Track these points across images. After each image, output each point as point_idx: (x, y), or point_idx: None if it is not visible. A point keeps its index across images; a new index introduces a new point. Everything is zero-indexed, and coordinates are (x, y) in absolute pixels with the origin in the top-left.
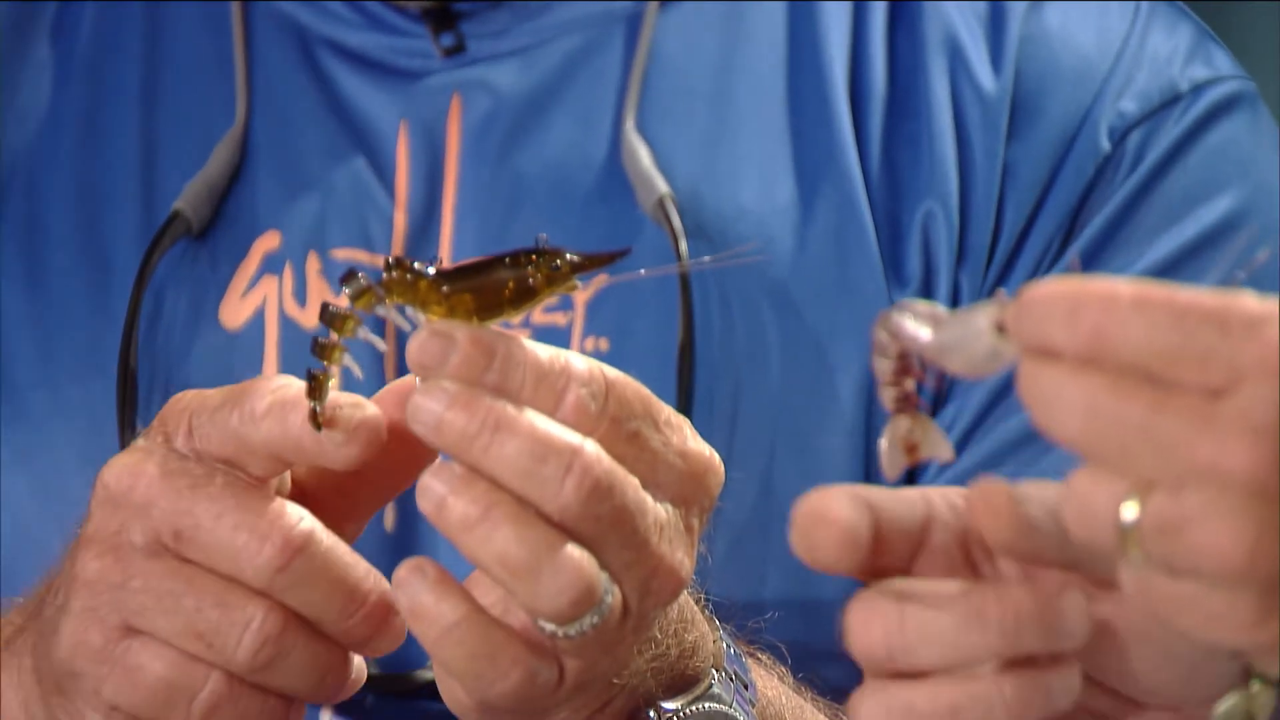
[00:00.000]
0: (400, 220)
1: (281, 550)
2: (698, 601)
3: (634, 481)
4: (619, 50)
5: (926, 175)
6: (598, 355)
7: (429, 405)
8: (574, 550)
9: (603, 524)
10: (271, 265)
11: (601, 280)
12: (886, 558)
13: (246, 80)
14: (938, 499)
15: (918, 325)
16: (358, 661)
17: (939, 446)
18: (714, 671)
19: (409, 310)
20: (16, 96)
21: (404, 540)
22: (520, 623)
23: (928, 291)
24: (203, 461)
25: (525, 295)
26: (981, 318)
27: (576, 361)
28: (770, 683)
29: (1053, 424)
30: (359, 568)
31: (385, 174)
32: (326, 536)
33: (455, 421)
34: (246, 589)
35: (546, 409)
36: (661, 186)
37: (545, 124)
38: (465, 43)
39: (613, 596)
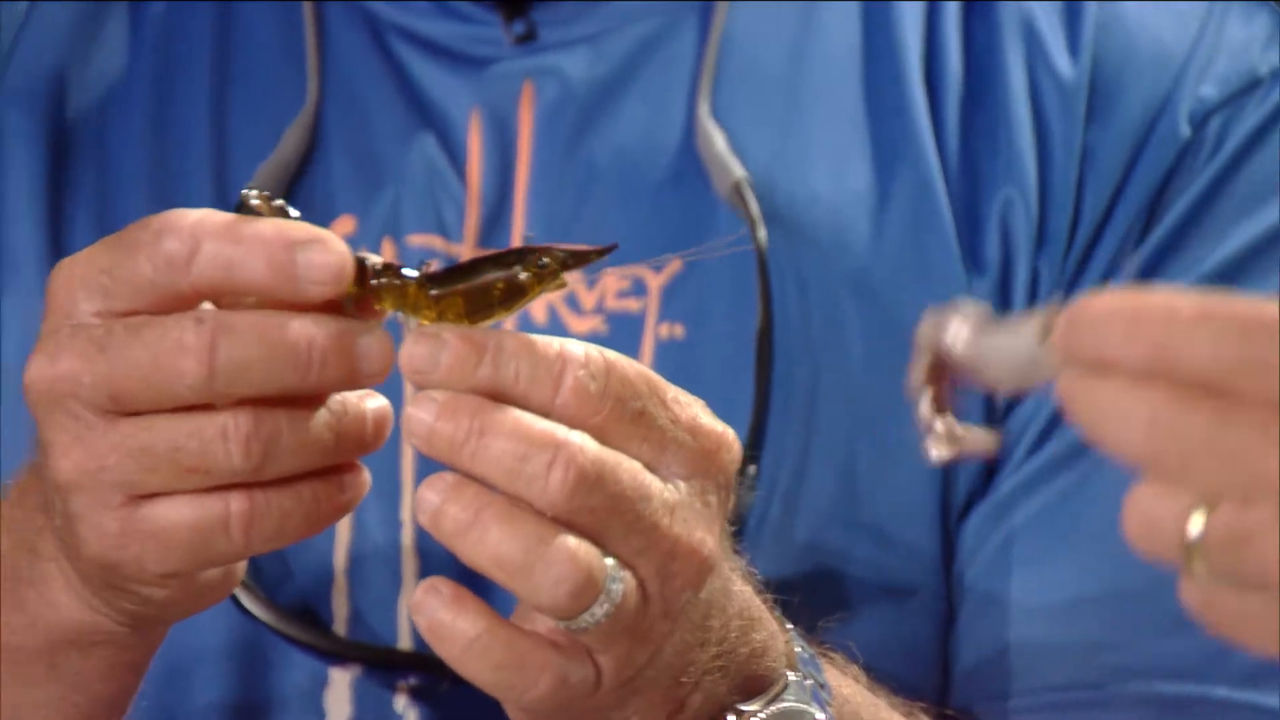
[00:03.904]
0: (473, 207)
1: (200, 357)
2: (765, 601)
3: (631, 466)
4: (692, 36)
5: (1004, 162)
6: (673, 342)
7: (419, 416)
8: (566, 541)
9: (599, 513)
10: None
11: (676, 266)
12: None
13: (318, 64)
14: None
15: (962, 328)
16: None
17: (983, 440)
18: (788, 672)
19: (400, 316)
20: (90, 68)
21: (426, 553)
22: (548, 626)
23: (1006, 279)
24: (103, 321)
25: (515, 294)
26: (1028, 326)
27: (573, 346)
28: (845, 682)
29: (1110, 438)
30: (290, 324)
31: (457, 161)
32: (230, 316)
33: (444, 430)
34: (199, 408)
35: (545, 396)
36: (737, 171)
37: (617, 110)
38: (536, 30)
39: (623, 584)
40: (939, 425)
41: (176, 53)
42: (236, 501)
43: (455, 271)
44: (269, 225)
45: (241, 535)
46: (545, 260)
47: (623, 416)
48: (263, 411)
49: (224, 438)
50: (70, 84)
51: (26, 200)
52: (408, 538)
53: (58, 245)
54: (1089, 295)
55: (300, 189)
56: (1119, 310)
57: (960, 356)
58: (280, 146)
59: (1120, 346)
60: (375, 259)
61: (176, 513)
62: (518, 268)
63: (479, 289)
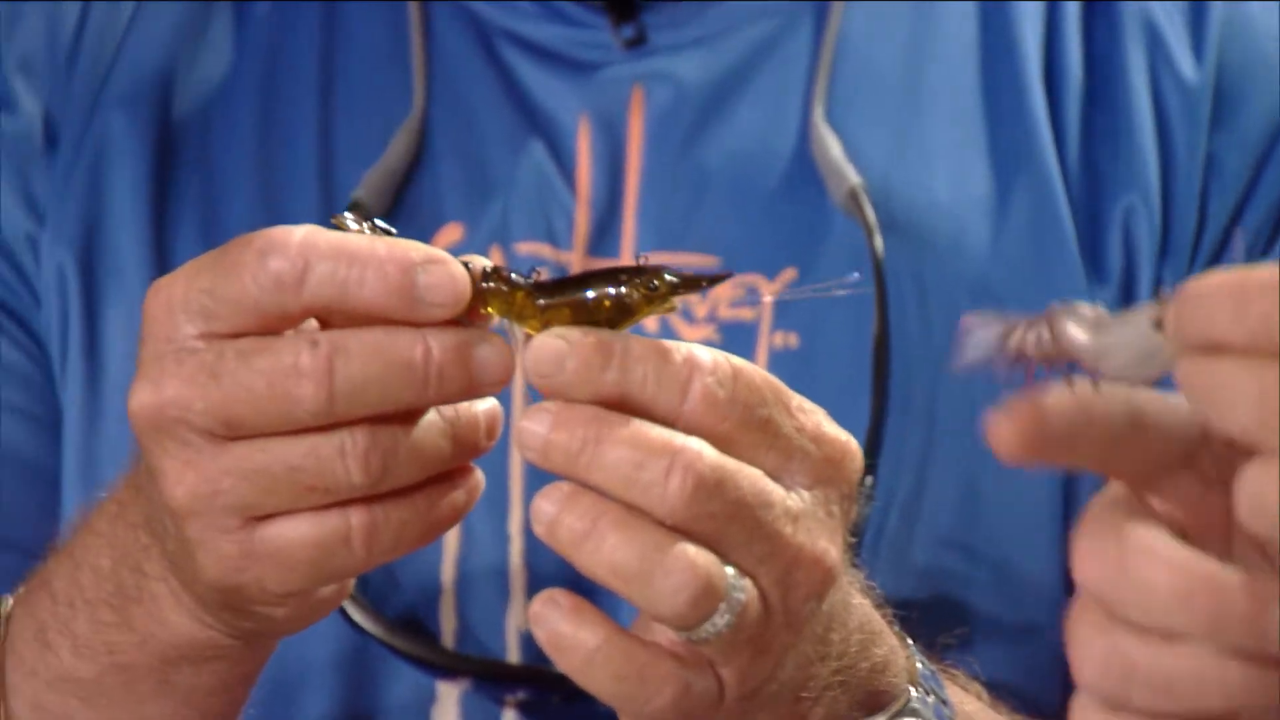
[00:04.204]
0: (582, 214)
1: (318, 381)
2: (884, 616)
3: (752, 473)
4: (806, 37)
5: (1126, 168)
6: (786, 351)
7: (533, 429)
8: (685, 548)
9: (719, 520)
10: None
11: (790, 274)
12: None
13: (425, 70)
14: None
15: (1078, 328)
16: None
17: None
18: (910, 688)
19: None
20: (195, 74)
21: (535, 567)
22: (668, 638)
23: (1129, 289)
24: (210, 343)
25: (623, 313)
26: (1142, 317)
27: (700, 352)
28: (967, 699)
29: (1223, 418)
30: (405, 340)
31: (566, 167)
32: (344, 336)
33: (558, 441)
34: (316, 428)
35: (672, 403)
36: (853, 177)
37: (729, 115)
38: (646, 33)
39: (744, 593)
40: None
41: (283, 56)
42: (356, 515)
43: (565, 283)
44: (383, 245)
45: (363, 549)
46: (656, 283)
47: (749, 424)
48: (378, 426)
49: (342, 455)
50: (175, 87)
51: (131, 206)
52: (516, 552)
53: (162, 252)
54: (1198, 277)
55: (407, 196)
56: (1225, 289)
57: (1080, 354)
58: (387, 152)
59: (1228, 325)
60: (482, 262)
61: (296, 531)
62: (629, 287)
63: (587, 303)
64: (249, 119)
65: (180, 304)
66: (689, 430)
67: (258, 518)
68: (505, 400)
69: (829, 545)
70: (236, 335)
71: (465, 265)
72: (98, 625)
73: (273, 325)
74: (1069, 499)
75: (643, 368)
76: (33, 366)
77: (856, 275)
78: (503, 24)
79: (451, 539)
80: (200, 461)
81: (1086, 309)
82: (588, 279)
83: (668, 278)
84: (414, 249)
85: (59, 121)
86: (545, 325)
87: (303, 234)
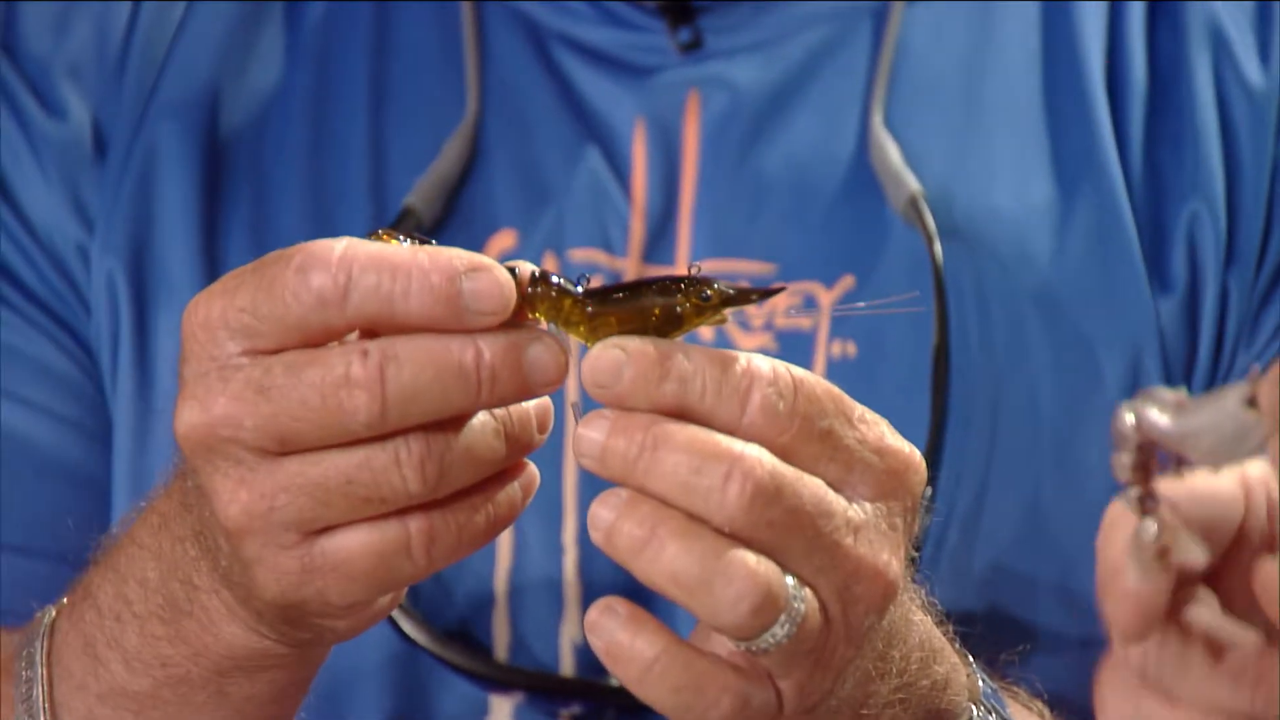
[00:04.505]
0: (638, 221)
1: (371, 391)
2: (945, 633)
3: (812, 482)
4: (865, 45)
5: (1191, 175)
6: (845, 361)
7: (590, 436)
8: (746, 556)
9: (777, 529)
10: None
11: (849, 282)
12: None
13: (478, 75)
14: (1257, 486)
15: (1161, 413)
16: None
17: (1191, 550)
18: (971, 706)
19: (552, 327)
20: (245, 81)
21: (589, 577)
22: (727, 649)
23: (1193, 298)
24: (254, 359)
25: (671, 323)
26: (1231, 397)
27: (759, 362)
28: (1030, 718)
29: None
30: (456, 345)
31: (621, 173)
32: (393, 344)
33: (616, 447)
34: (369, 439)
35: (732, 414)
36: (913, 185)
37: (787, 121)
38: (703, 38)
39: (804, 603)
40: (1149, 528)
41: (334, 63)
42: (415, 522)
43: (614, 290)
44: (425, 254)
45: (424, 555)
46: (708, 293)
47: (810, 435)
48: (432, 432)
49: (397, 464)
50: (225, 96)
51: (181, 215)
52: (570, 562)
53: (213, 261)
54: None
55: (460, 202)
56: None
57: (1164, 440)
58: (440, 158)
59: None
60: (530, 268)
61: (356, 542)
62: (679, 297)
63: (635, 312)
64: (300, 127)
65: (220, 322)
66: (749, 442)
67: (315, 531)
68: (557, 401)
69: (891, 558)
70: (281, 350)
71: (512, 271)
72: (149, 639)
73: (317, 340)
74: None
75: (701, 379)
76: (83, 376)
77: (916, 293)
78: (557, 27)
79: (504, 549)
80: (254, 479)
81: (1167, 393)
82: (638, 287)
83: (719, 289)
84: (457, 257)
85: (108, 128)
86: (593, 332)
87: (342, 247)
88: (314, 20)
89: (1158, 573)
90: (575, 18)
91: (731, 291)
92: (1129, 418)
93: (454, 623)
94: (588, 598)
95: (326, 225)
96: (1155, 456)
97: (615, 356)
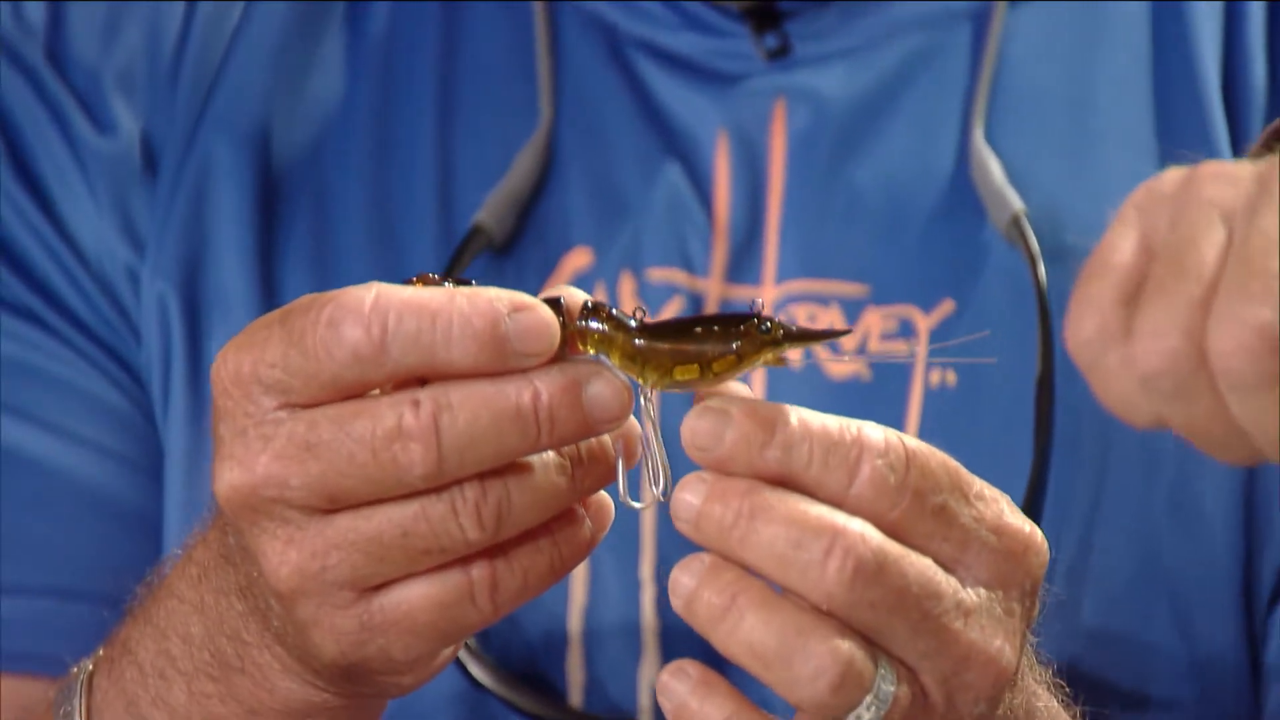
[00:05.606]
0: (720, 239)
1: (426, 443)
2: (1073, 715)
3: (920, 561)
4: (964, 53)
5: None
6: (944, 390)
7: (687, 500)
8: (829, 633)
9: (879, 610)
10: (582, 285)
11: (948, 306)
12: None
13: (551, 83)
14: None
15: None
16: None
17: None
18: None
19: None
20: (304, 93)
21: (668, 615)
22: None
23: None
24: (294, 413)
25: (728, 363)
26: None
27: (871, 431)
28: None
29: None
30: (511, 387)
31: (703, 187)
32: (445, 391)
33: (712, 513)
34: (425, 491)
35: (839, 485)
36: (1015, 203)
37: (880, 133)
38: (790, 44)
39: (893, 685)
40: None
41: (399, 75)
42: (478, 569)
43: (669, 326)
44: (463, 297)
45: (488, 603)
46: (769, 326)
47: (922, 512)
48: (489, 476)
49: (454, 513)
50: (282, 110)
51: (236, 236)
52: (648, 599)
53: (270, 285)
54: None
55: (532, 219)
56: None
57: None
58: (511, 172)
59: None
60: (580, 297)
61: (417, 595)
62: (736, 340)
63: (691, 349)
64: (363, 142)
65: (251, 377)
66: (856, 516)
67: (372, 588)
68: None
69: (1005, 645)
70: (319, 404)
71: (557, 301)
72: (197, 697)
73: (355, 394)
74: (1252, 553)
75: (808, 446)
76: (133, 408)
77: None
78: (636, 32)
79: (579, 587)
80: (303, 538)
81: None
82: (695, 324)
83: (780, 329)
84: (497, 298)
85: (160, 143)
86: (642, 369)
87: (373, 296)
88: (378, 22)
89: None
90: (655, 22)
91: (793, 331)
92: None
93: (526, 664)
94: (667, 637)
95: (390, 243)
96: None
97: (715, 419)
